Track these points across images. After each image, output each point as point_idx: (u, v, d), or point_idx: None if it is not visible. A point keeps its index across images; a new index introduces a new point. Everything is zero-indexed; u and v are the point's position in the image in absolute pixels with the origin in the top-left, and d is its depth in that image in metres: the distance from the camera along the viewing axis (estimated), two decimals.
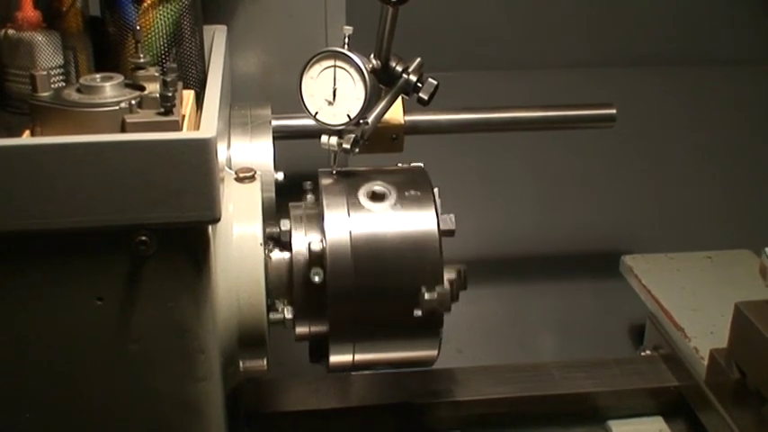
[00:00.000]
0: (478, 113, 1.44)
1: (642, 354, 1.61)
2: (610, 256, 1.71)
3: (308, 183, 1.16)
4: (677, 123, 2.08)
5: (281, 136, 1.32)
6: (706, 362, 1.37)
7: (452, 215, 1.12)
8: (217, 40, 1.28)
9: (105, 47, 1.16)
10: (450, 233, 1.12)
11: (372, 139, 1.18)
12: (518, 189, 1.99)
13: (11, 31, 1.07)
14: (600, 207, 1.99)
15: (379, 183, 1.12)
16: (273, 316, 1.07)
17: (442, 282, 1.07)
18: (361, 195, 1.10)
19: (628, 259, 1.66)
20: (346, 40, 1.10)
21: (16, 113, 1.05)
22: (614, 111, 1.44)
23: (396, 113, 1.33)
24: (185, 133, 0.92)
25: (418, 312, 1.07)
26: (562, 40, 2.04)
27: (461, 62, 1.98)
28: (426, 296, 1.07)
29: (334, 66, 1.09)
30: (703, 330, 1.46)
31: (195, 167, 0.88)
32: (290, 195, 1.20)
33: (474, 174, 1.96)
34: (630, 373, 1.51)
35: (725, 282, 1.59)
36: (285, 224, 1.11)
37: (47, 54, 1.08)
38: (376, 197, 1.10)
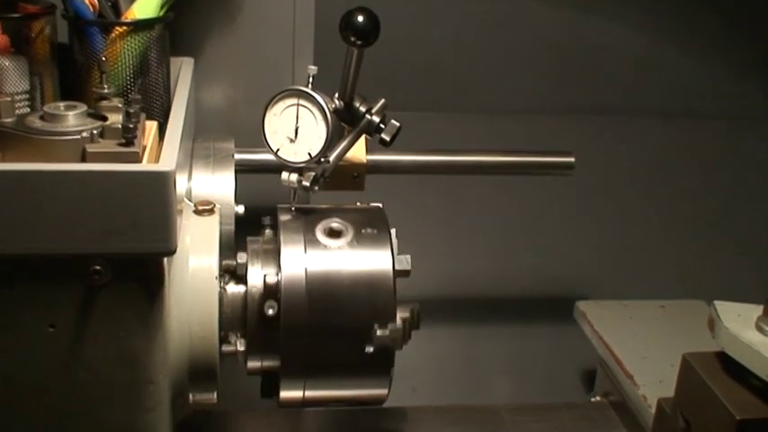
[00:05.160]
0: (439, 156, 1.46)
1: (592, 399, 1.62)
2: (565, 302, 1.73)
3: (267, 218, 1.17)
4: (637, 173, 2.11)
5: (243, 169, 1.33)
6: (653, 410, 1.38)
7: (408, 256, 1.13)
8: (183, 72, 1.29)
9: (72, 74, 1.17)
10: (405, 273, 1.13)
11: (334, 176, 1.19)
12: (476, 231, 2.00)
13: None
14: (557, 252, 2.01)
15: (336, 220, 1.13)
16: (226, 348, 1.08)
17: (394, 321, 1.09)
18: (319, 232, 1.12)
19: (581, 305, 1.68)
20: (310, 79, 1.12)
21: None
22: (573, 159, 1.47)
23: (358, 152, 1.34)
24: (144, 165, 0.93)
25: (370, 349, 1.08)
26: (527, 85, 2.07)
27: (426, 103, 2.01)
28: (378, 332, 1.08)
29: (297, 104, 1.11)
30: (652, 379, 1.48)
31: (153, 199, 0.89)
32: (250, 228, 1.21)
33: (433, 214, 1.98)
34: (579, 418, 1.52)
35: (676, 331, 1.61)
36: (242, 257, 1.12)
37: (13, 79, 1.09)
38: (333, 234, 1.12)
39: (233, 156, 1.31)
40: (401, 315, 1.10)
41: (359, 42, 1.09)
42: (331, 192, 1.27)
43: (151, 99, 1.18)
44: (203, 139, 1.32)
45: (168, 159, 0.92)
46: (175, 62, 1.29)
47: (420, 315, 1.12)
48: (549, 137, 1.97)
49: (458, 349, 1.88)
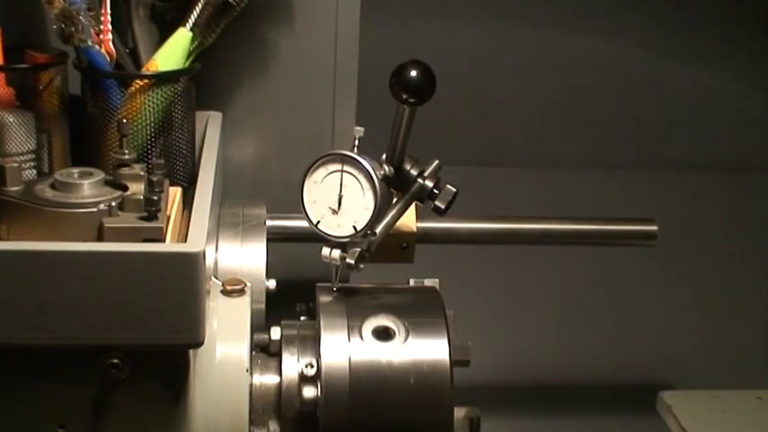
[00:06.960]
0: (500, 223, 1.44)
1: None
2: (646, 391, 1.71)
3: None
4: (726, 238, 2.09)
5: (276, 238, 1.32)
6: None
7: (469, 343, 1.11)
8: (210, 128, 1.29)
9: (84, 131, 1.18)
10: (464, 363, 1.12)
11: (380, 247, 1.17)
12: (541, 308, 1.99)
13: None
14: (636, 333, 1.99)
15: (384, 316, 1.11)
16: None
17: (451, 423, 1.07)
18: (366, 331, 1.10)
19: (666, 396, 1.66)
20: (356, 142, 1.11)
21: None
22: (655, 227, 1.44)
23: (408, 220, 1.33)
24: (170, 245, 0.93)
25: None
26: (594, 138, 2.06)
27: (484, 157, 2.00)
28: None
29: (342, 171, 1.10)
30: None
31: (178, 284, 0.88)
32: (282, 303, 1.20)
33: (493, 288, 1.97)
34: None
35: None
36: (275, 336, 1.11)
37: (18, 137, 1.10)
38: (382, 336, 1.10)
39: (264, 223, 1.31)
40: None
41: (411, 100, 1.08)
42: (376, 264, 1.26)
43: (174, 161, 1.18)
44: (231, 204, 1.32)
45: (197, 238, 0.91)
46: (201, 117, 1.30)
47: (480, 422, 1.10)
48: (620, 194, 1.96)
49: None
